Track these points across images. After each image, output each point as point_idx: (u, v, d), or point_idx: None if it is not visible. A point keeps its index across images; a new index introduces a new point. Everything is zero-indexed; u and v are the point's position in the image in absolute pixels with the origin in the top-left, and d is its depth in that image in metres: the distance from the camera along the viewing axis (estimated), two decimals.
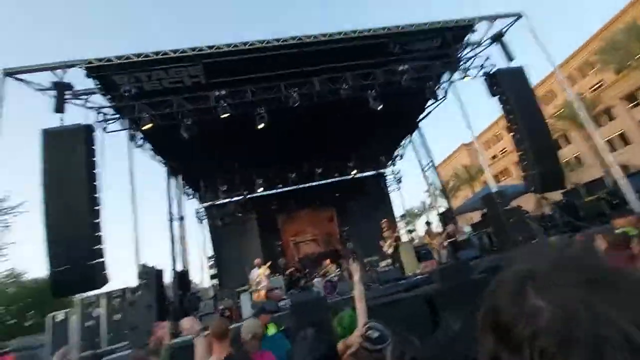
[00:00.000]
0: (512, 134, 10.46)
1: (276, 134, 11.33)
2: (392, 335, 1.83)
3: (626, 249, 3.70)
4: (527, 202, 17.61)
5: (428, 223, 11.56)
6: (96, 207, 7.79)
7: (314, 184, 16.20)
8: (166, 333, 3.35)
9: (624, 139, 28.01)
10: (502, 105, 10.56)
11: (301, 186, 16.16)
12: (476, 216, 16.42)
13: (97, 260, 7.39)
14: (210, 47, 8.67)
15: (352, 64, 10.07)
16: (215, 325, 2.89)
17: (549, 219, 11.13)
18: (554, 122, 23.53)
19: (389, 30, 9.65)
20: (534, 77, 32.36)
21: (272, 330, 4.66)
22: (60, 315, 9.54)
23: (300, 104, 9.65)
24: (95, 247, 7.49)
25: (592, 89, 29.31)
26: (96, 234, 7.60)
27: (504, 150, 39.16)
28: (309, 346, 1.82)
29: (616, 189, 9.74)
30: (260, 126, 9.70)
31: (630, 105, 27.14)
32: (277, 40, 8.97)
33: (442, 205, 14.88)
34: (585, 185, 11.84)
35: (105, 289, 8.35)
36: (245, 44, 8.81)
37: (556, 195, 12.35)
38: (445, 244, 10.32)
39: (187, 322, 3.27)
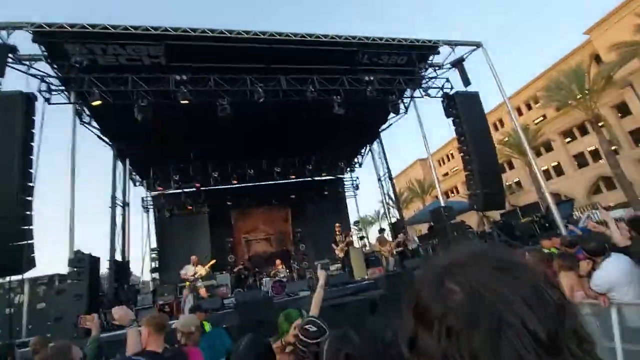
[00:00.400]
0: (462, 154, 11.11)
1: (237, 128, 11.09)
2: (329, 331, 1.85)
3: (549, 266, 4.09)
4: (471, 219, 18.77)
5: (382, 230, 11.88)
6: (28, 184, 7.14)
7: (271, 182, 16.01)
8: (95, 324, 3.12)
9: (558, 169, 30.94)
10: (454, 127, 11.19)
11: (258, 183, 15.89)
12: (424, 228, 17.20)
13: (23, 242, 6.75)
14: (175, 29, 8.30)
15: (321, 67, 10.19)
16: (155, 317, 2.83)
17: (488, 236, 11.93)
18: (500, 147, 25.36)
19: (360, 39, 9.89)
20: (487, 104, 34.85)
21: (207, 328, 4.57)
22: None
23: (265, 100, 9.52)
24: (23, 227, 6.84)
25: (536, 121, 32.07)
26: (25, 213, 6.95)
27: (454, 169, 41.50)
28: (245, 346, 1.80)
29: (548, 214, 10.68)
30: (221, 116, 9.41)
31: (566, 140, 30.10)
32: (247, 32, 8.82)
33: (395, 215, 15.38)
34: (522, 208, 12.90)
35: (30, 274, 7.67)
36: (213, 31, 8.56)
37: (496, 215, 13.33)
38: (395, 252, 10.68)
39: (119, 311, 3.08)
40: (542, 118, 31.89)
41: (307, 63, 9.97)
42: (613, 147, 22.63)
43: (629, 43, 19.00)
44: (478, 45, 11.28)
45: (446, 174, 44.41)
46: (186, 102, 8.92)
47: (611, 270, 3.35)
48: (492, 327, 0.39)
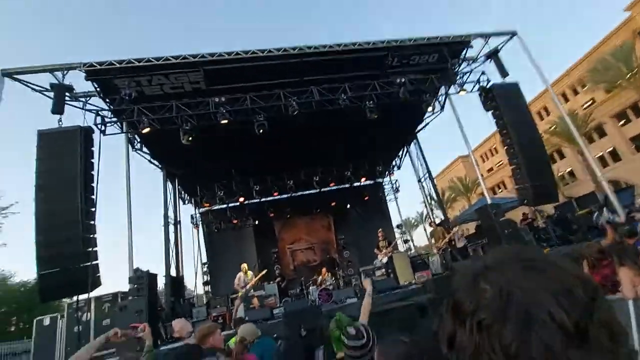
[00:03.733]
0: (506, 147, 10.63)
1: (275, 141, 11.40)
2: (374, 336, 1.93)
3: (609, 262, 3.79)
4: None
5: (432, 223, 11.42)
6: (91, 209, 7.75)
7: (312, 191, 16.21)
8: (147, 334, 3.26)
9: (614, 155, 28.54)
10: (495, 120, 10.75)
11: (299, 193, 16.15)
12: (472, 227, 16.53)
13: (89, 263, 7.29)
14: (211, 55, 8.78)
15: (351, 75, 10.26)
16: (201, 329, 2.97)
17: (543, 232, 11.23)
18: (547, 137, 23.92)
19: (388, 43, 9.85)
20: (530, 93, 33.11)
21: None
22: (47, 319, 9.37)
23: (299, 112, 9.75)
24: (88, 249, 7.41)
25: (584, 106, 29.91)
26: (89, 236, 7.52)
27: (500, 163, 39.60)
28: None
29: (607, 204, 9.88)
30: (260, 132, 9.73)
31: (620, 123, 27.76)
32: (278, 50, 9.12)
33: (439, 215, 14.97)
34: (577, 199, 12.02)
35: (95, 293, 8.25)
36: (246, 52, 8.94)
37: (550, 208, 12.52)
38: (442, 250, 10.34)
39: (178, 324, 3.29)
40: (590, 102, 29.69)
41: (337, 72, 10.08)
42: None
43: None
44: (513, 34, 10.79)
45: (491, 169, 42.47)
46: (225, 121, 9.36)
47: None
48: (521, 320, 0.42)
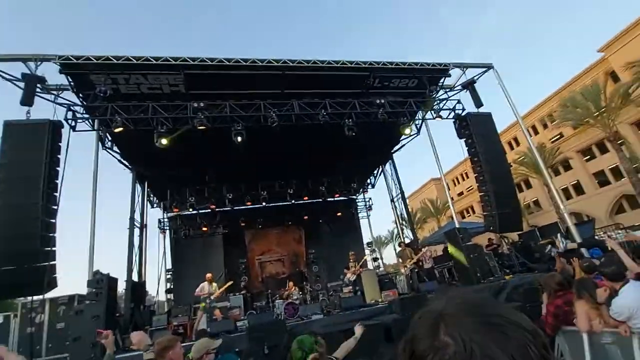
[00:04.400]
0: (476, 175, 11.02)
1: (251, 151, 11.33)
2: None
3: (568, 293, 3.96)
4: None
5: (401, 244, 11.57)
6: (53, 207, 7.43)
7: (285, 203, 16.12)
8: (110, 342, 3.17)
9: (578, 188, 30.11)
10: (467, 148, 11.16)
11: (272, 204, 16.03)
12: (439, 249, 16.89)
13: (46, 263, 6.97)
14: (193, 59, 8.71)
15: (333, 91, 10.44)
16: (159, 342, 2.88)
17: (506, 258, 11.63)
18: (516, 166, 25.01)
19: (370, 64, 10.13)
20: (502, 123, 34.62)
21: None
22: None
23: (278, 124, 9.77)
24: (47, 248, 7.09)
25: (552, 139, 31.54)
26: (49, 235, 7.21)
27: (470, 188, 40.89)
28: None
29: (568, 235, 10.36)
30: (238, 140, 9.65)
31: (585, 158, 29.44)
32: (262, 61, 9.17)
33: (408, 235, 15.21)
34: (541, 229, 12.55)
35: (51, 294, 7.85)
36: (229, 60, 8.93)
37: (515, 235, 13.01)
38: (409, 270, 10.46)
39: (137, 336, 3.19)
40: (558, 136, 31.39)
41: (319, 88, 10.25)
42: (635, 165, 22.03)
43: None
44: (489, 67, 11.37)
45: (461, 194, 43.80)
46: (203, 127, 9.25)
47: (631, 297, 3.23)
48: None
